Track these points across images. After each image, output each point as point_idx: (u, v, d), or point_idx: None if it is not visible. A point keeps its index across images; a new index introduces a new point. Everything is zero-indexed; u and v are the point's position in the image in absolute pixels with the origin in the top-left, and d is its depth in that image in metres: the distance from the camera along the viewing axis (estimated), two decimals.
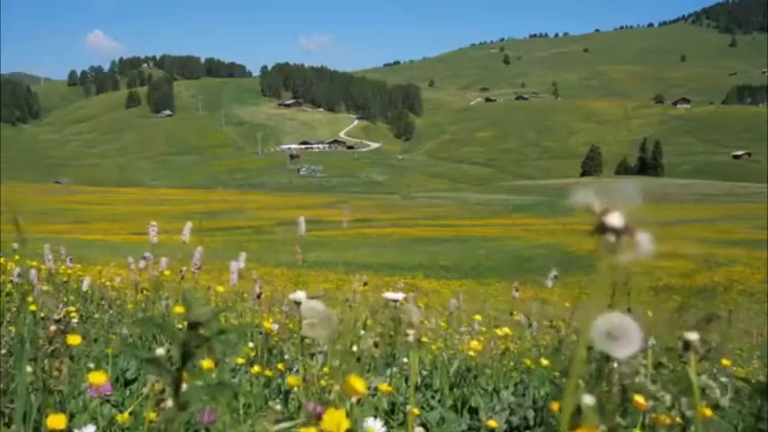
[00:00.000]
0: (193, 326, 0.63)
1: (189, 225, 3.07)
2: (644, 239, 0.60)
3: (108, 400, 2.00)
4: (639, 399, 1.18)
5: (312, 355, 2.02)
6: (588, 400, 0.69)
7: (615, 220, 0.59)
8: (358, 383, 0.91)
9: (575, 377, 0.64)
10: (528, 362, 2.89)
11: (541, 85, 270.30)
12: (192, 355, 0.63)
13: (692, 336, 1.13)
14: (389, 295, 1.48)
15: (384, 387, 1.88)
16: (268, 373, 2.27)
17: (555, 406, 1.33)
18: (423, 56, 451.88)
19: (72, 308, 3.16)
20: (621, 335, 0.63)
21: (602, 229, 0.60)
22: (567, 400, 0.65)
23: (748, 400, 1.51)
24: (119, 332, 3.05)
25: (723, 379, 1.22)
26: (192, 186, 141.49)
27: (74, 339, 1.72)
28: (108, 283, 6.13)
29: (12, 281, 3.59)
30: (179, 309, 3.15)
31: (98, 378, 1.18)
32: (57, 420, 1.11)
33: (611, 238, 0.59)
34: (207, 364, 1.43)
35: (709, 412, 1.19)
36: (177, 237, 3.17)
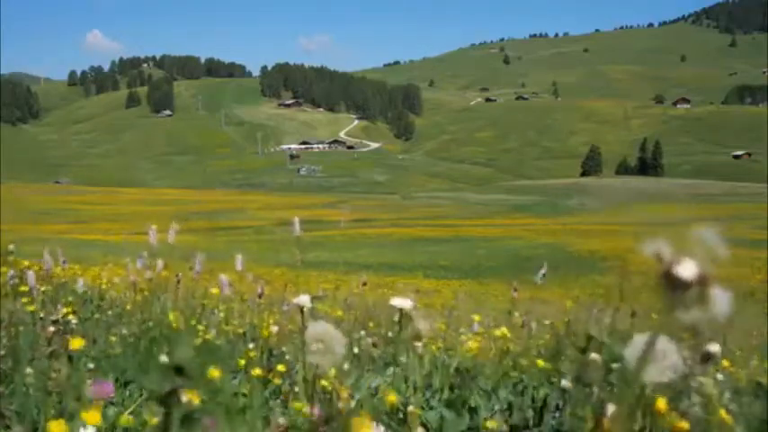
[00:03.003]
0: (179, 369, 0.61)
1: (174, 226, 3.09)
2: (721, 297, 0.48)
3: (111, 402, 1.99)
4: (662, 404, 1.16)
5: None
6: (611, 407, 0.67)
7: (687, 270, 0.47)
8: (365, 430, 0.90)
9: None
10: (527, 362, 2.88)
11: (541, 85, 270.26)
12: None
13: (714, 347, 1.12)
14: (397, 302, 1.39)
15: (392, 398, 1.86)
16: (273, 379, 2.26)
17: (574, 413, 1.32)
18: (423, 56, 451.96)
19: (70, 308, 3.16)
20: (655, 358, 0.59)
21: (671, 280, 0.48)
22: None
23: (756, 403, 1.50)
24: (118, 333, 3.05)
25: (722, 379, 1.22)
26: (191, 186, 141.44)
27: (76, 343, 1.69)
28: (106, 286, 6.11)
29: (9, 282, 3.59)
30: (173, 316, 3.15)
31: (92, 419, 1.15)
32: (58, 427, 1.10)
33: (680, 291, 0.48)
34: (213, 372, 1.42)
35: (725, 416, 1.19)
36: (177, 237, 3.17)
